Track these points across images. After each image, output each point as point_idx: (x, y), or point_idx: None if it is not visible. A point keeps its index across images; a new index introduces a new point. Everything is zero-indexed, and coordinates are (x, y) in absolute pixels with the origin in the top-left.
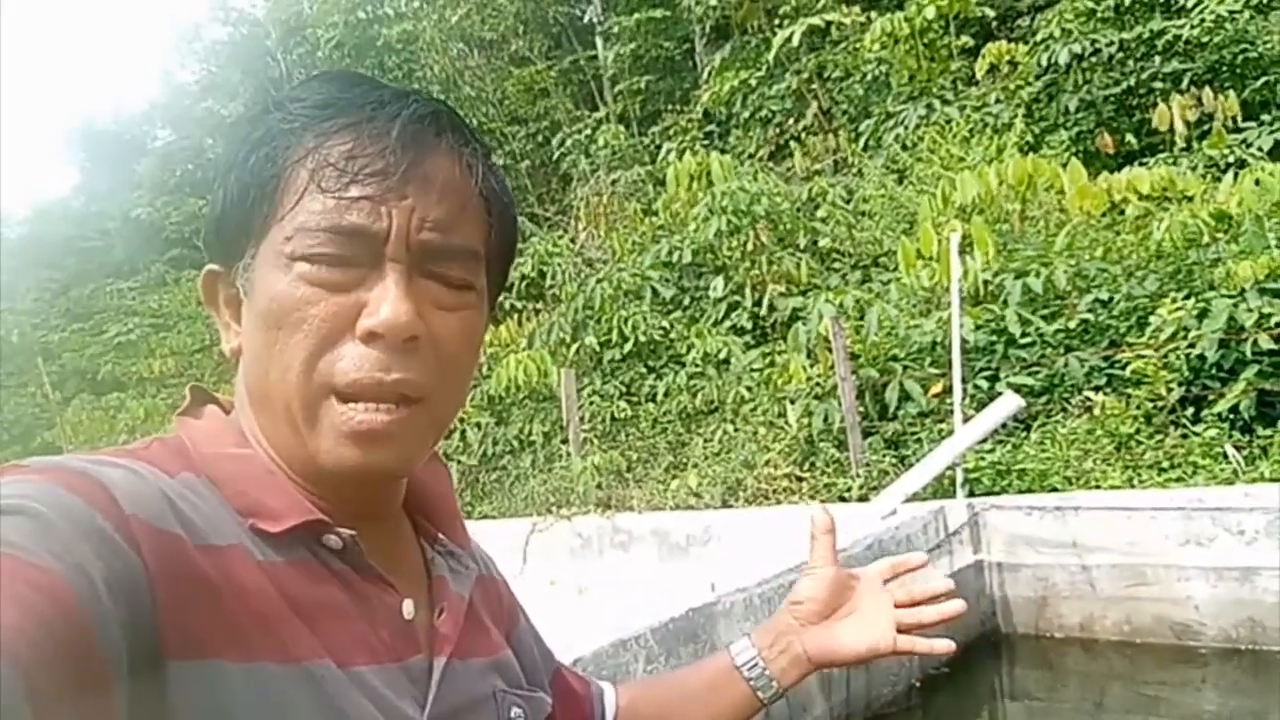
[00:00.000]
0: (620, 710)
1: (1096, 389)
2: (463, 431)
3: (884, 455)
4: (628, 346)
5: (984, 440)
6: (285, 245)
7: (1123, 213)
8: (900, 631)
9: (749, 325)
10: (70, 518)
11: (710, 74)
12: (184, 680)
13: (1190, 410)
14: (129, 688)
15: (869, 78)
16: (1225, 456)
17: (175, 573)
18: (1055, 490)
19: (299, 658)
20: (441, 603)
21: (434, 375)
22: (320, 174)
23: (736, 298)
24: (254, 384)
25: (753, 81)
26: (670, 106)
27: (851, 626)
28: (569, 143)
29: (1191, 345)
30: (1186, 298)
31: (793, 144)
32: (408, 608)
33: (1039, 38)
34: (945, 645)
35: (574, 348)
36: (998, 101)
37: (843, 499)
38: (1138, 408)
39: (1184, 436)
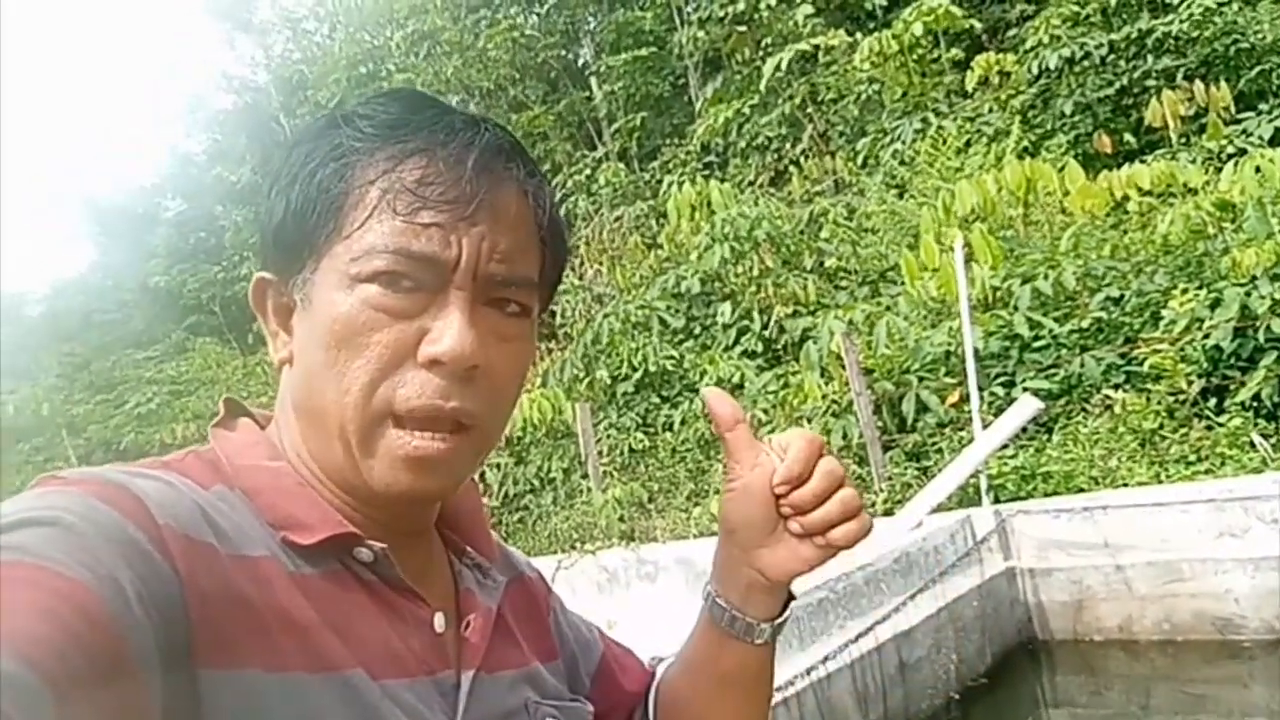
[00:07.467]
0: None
1: (1115, 387)
2: (482, 474)
3: (906, 468)
4: (637, 376)
5: (1005, 446)
6: (351, 266)
7: (1126, 210)
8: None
9: (760, 349)
10: (102, 528)
11: (704, 106)
12: (218, 689)
13: (1212, 401)
14: (162, 697)
15: (862, 97)
16: (1252, 445)
17: (208, 582)
18: (1082, 491)
19: (332, 667)
20: (469, 615)
21: (487, 404)
22: (393, 197)
23: (746, 322)
24: (305, 399)
25: (747, 110)
26: (668, 141)
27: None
28: (570, 183)
29: (1207, 336)
30: (1198, 289)
31: (791, 168)
32: (439, 621)
33: (1028, 45)
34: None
35: (586, 382)
36: (992, 110)
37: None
38: (1159, 403)
39: (1208, 428)
